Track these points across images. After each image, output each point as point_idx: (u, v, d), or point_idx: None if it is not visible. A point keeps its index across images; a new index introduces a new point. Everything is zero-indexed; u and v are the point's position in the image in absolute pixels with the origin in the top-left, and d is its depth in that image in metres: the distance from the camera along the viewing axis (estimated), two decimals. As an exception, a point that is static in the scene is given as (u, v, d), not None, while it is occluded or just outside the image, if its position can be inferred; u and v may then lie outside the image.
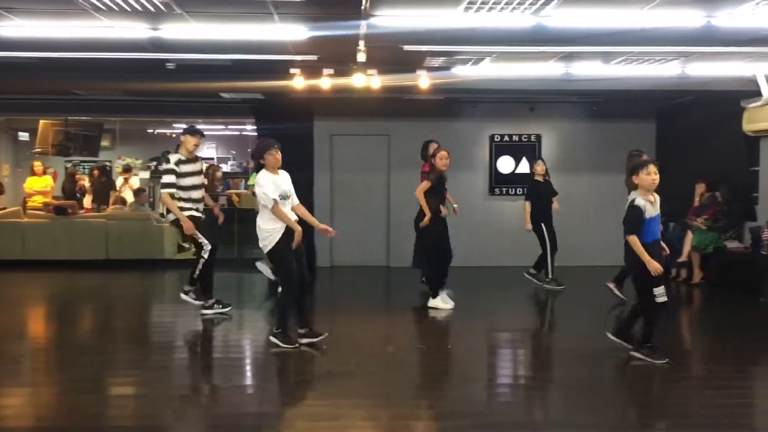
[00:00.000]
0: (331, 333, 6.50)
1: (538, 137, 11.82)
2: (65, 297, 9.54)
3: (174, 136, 18.24)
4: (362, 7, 5.48)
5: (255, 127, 12.47)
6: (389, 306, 9.45)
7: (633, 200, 5.73)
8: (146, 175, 16.07)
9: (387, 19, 5.93)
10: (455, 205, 8.45)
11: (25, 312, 8.60)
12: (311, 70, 8.10)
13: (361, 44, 6.31)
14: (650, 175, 5.66)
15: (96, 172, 15.20)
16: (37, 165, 13.61)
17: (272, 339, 6.28)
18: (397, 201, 11.41)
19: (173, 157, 7.46)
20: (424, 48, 7.16)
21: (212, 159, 20.10)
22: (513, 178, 11.79)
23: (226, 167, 19.14)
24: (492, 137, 11.78)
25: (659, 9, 5.60)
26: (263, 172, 6.23)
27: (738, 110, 9.71)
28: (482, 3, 5.41)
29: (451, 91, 10.01)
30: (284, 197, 6.19)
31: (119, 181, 15.29)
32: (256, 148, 6.39)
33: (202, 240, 7.48)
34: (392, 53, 7.28)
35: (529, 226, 9.38)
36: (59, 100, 11.60)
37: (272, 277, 8.44)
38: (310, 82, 8.28)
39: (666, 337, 6.69)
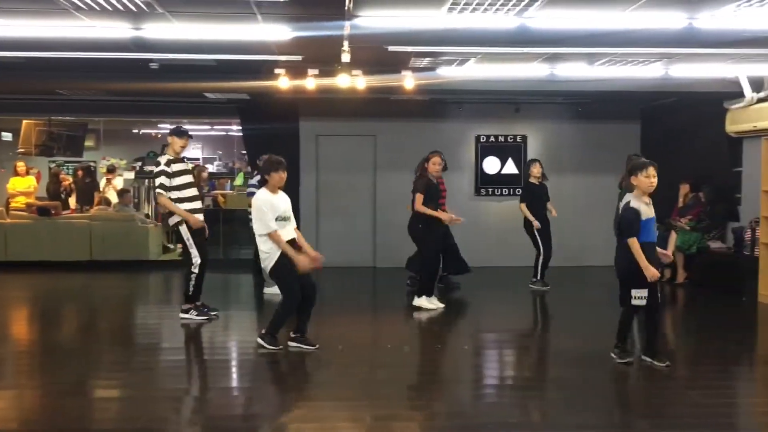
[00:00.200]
0: (316, 334, 6.49)
1: (524, 138, 11.86)
2: (49, 298, 9.46)
3: (159, 136, 18.15)
4: (345, 8, 5.48)
5: (240, 128, 12.42)
6: (375, 307, 9.44)
7: (628, 202, 5.71)
8: (131, 175, 15.97)
9: (371, 20, 5.92)
10: (453, 216, 8.46)
11: (8, 314, 8.53)
12: (296, 70, 8.08)
13: (346, 45, 6.29)
14: (649, 178, 5.65)
15: (80, 172, 15.10)
16: (20, 165, 13.50)
17: (259, 340, 6.29)
18: (384, 201, 11.42)
19: (163, 159, 7.37)
20: (408, 49, 7.16)
21: (198, 159, 20.01)
22: (499, 179, 11.83)
23: (212, 167, 19.09)
24: (478, 138, 11.81)
25: (642, 11, 5.63)
26: (263, 190, 6.17)
27: (721, 111, 9.79)
28: (466, 4, 5.42)
29: (437, 92, 10.02)
30: (283, 219, 6.15)
31: (103, 181, 15.20)
32: (265, 163, 6.29)
33: (194, 251, 7.34)
34: (377, 54, 7.27)
35: (537, 224, 9.41)
36: (42, 99, 11.51)
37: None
38: (295, 83, 8.25)
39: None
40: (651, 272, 5.56)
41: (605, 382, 5.73)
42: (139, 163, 16.06)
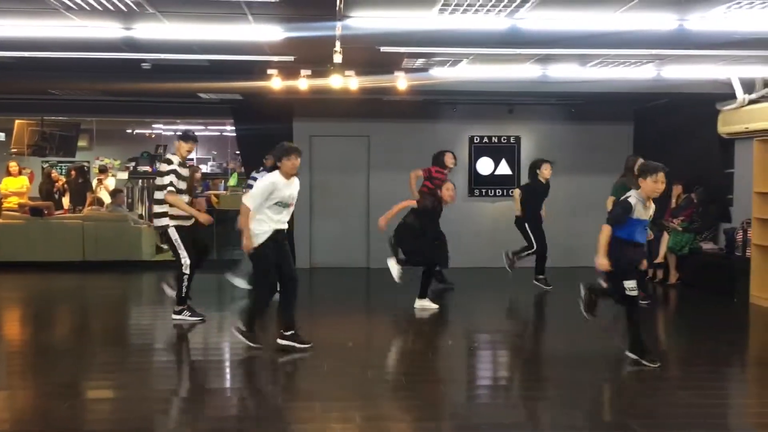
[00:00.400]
0: (309, 334, 6.49)
1: (518, 139, 11.88)
2: (41, 299, 9.42)
3: (153, 136, 18.13)
4: (336, 8, 5.48)
5: (234, 128, 12.40)
6: (368, 308, 9.44)
7: (628, 197, 5.75)
8: (125, 175, 15.92)
9: (362, 21, 5.92)
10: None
11: (0, 315, 8.50)
12: (288, 71, 8.08)
13: (338, 45, 6.28)
14: (657, 183, 5.67)
15: (73, 172, 15.05)
16: (13, 166, 13.44)
17: (234, 331, 6.33)
18: (377, 202, 11.38)
19: (175, 159, 7.34)
20: (400, 50, 7.16)
21: (192, 160, 19.94)
22: (492, 180, 11.84)
23: (206, 168, 19.03)
24: (471, 139, 11.82)
25: (632, 12, 5.64)
26: (276, 173, 6.15)
27: (713, 113, 9.81)
28: (457, 5, 5.42)
29: (430, 93, 10.03)
30: (284, 205, 6.14)
31: (95, 182, 15.16)
32: (276, 149, 6.24)
33: (183, 253, 7.29)
34: (369, 54, 7.27)
35: (518, 211, 9.50)
36: (35, 99, 11.49)
37: (248, 286, 8.18)
38: (288, 83, 8.25)
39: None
40: (599, 261, 5.63)
41: (597, 382, 5.74)
42: (133, 164, 16.01)
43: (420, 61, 7.98)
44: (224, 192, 15.99)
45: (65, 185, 15.06)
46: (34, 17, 6.01)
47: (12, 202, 12.84)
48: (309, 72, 8.03)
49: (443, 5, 5.45)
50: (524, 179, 11.35)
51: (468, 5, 5.41)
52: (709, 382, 5.71)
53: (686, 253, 9.79)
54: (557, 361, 6.27)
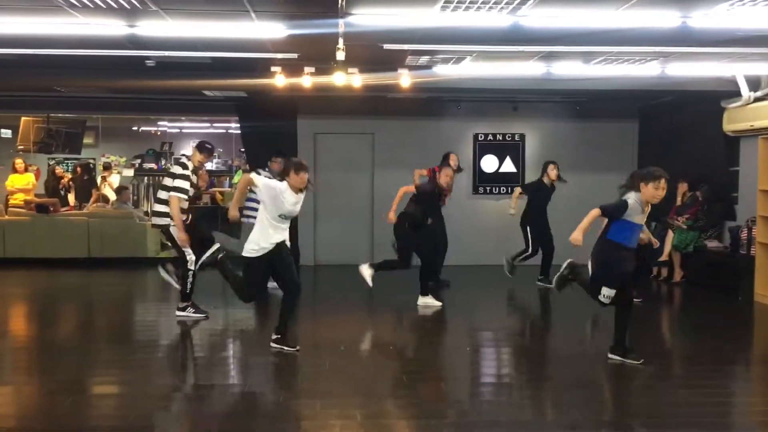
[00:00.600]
0: (311, 332, 6.50)
1: (522, 136, 11.86)
2: (46, 295, 9.48)
3: (158, 133, 18.16)
4: (339, 5, 5.48)
5: (239, 125, 12.42)
6: (371, 305, 9.44)
7: (627, 197, 5.70)
8: (130, 172, 15.98)
9: (364, 18, 5.92)
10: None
11: (6, 311, 8.54)
12: (292, 68, 8.07)
13: (340, 42, 6.28)
14: (657, 190, 5.60)
15: (79, 169, 15.11)
16: (19, 162, 13.50)
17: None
18: (381, 199, 11.37)
19: (190, 164, 7.37)
20: (403, 47, 7.16)
21: (203, 168, 19.94)
22: (497, 177, 11.83)
23: (210, 165, 19.05)
24: (476, 136, 11.81)
25: (634, 9, 5.62)
26: (286, 184, 6.13)
27: (718, 110, 9.77)
28: (458, 2, 5.41)
29: (434, 90, 10.01)
30: (285, 217, 6.15)
31: (99, 179, 15.22)
32: (285, 164, 6.34)
33: (187, 250, 7.33)
34: (372, 52, 7.27)
35: (513, 209, 9.52)
36: (41, 96, 11.52)
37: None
38: (292, 81, 8.25)
39: (646, 336, 6.76)
40: (575, 236, 5.60)
41: (599, 381, 5.74)
42: (138, 161, 16.06)
43: (423, 59, 7.98)
44: (229, 189, 16.01)
45: (71, 182, 15.13)
46: (38, 15, 6.04)
47: (18, 198, 12.90)
48: (312, 69, 8.02)
49: (445, 2, 5.45)
50: (529, 177, 11.37)
51: (470, 2, 5.41)
52: (713, 381, 5.68)
53: (691, 251, 9.76)
54: (559, 360, 6.26)
